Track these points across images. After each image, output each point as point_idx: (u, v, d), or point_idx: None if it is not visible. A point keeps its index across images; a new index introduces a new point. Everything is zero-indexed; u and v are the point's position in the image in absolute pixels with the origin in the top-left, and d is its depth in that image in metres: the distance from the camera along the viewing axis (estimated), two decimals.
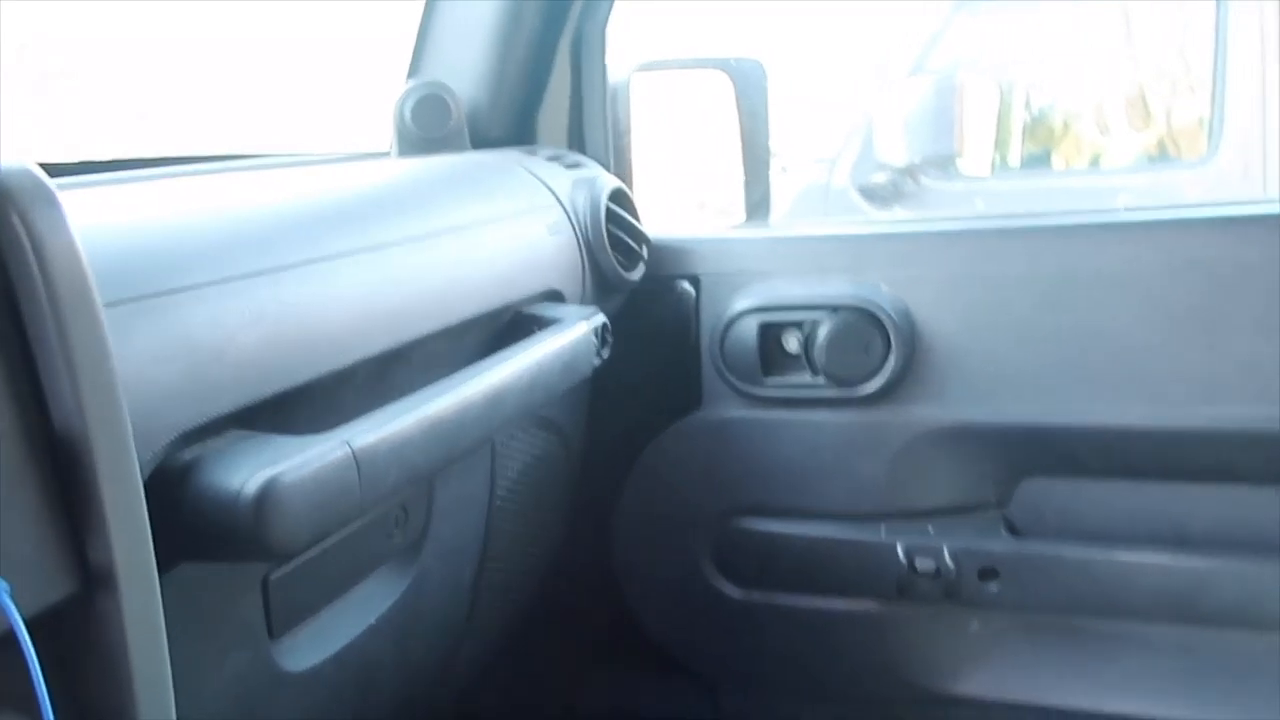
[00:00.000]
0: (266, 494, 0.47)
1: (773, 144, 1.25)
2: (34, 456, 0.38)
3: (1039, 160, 4.03)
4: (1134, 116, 3.84)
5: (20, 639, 0.35)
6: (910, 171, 2.91)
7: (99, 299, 0.39)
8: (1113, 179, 3.48)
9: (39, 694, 0.35)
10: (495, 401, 0.68)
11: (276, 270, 0.56)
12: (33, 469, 0.38)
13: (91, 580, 0.39)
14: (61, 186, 0.39)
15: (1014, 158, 3.99)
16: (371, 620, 0.75)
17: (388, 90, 1.01)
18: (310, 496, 0.50)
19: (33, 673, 0.35)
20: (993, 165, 3.95)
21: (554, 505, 1.01)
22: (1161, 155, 3.48)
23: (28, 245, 0.37)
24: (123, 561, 0.39)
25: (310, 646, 0.67)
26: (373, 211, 0.71)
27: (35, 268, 0.37)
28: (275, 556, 0.56)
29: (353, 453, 0.53)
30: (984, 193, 3.26)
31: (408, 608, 0.79)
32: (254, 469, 0.48)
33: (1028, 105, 4.04)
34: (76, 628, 0.40)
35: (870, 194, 2.99)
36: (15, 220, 0.37)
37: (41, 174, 0.39)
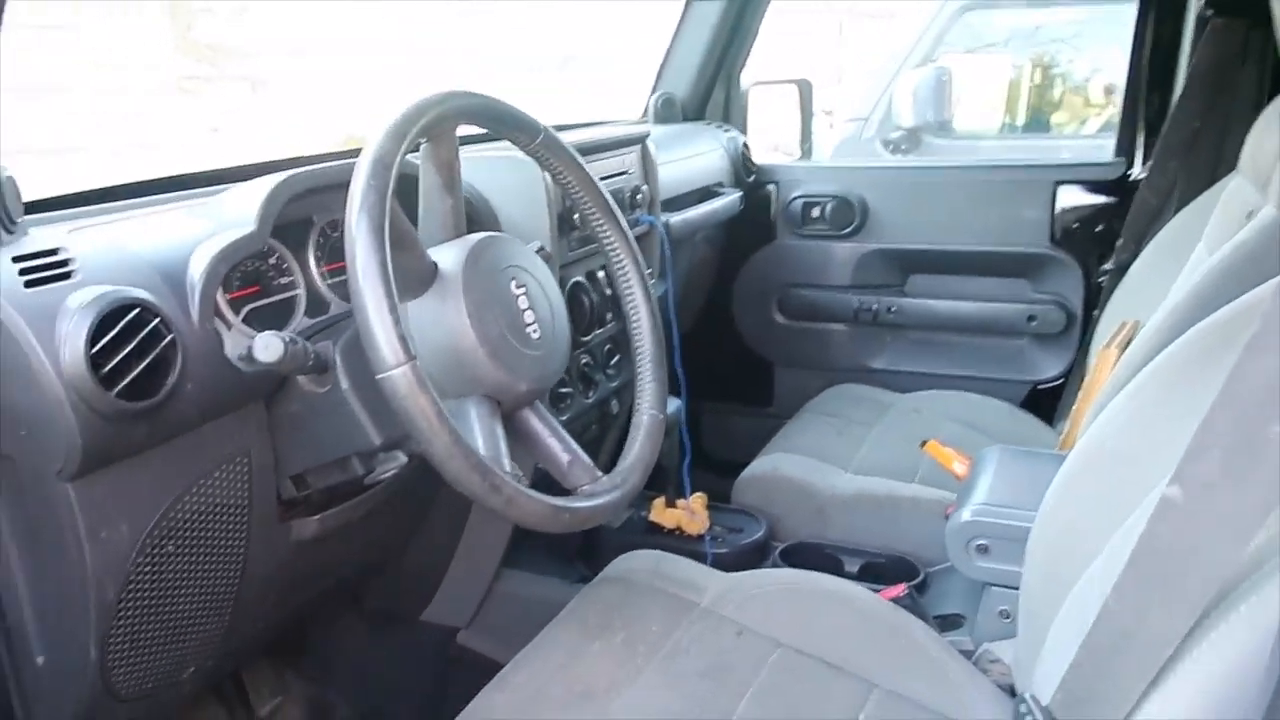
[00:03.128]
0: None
1: (820, 111, 2.55)
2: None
3: (1040, 123, 5.24)
4: (1104, 96, 5.02)
5: None
6: (916, 131, 4.13)
7: None
8: (1068, 141, 4.67)
9: None
10: (711, 214, 2.00)
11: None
12: None
13: None
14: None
15: (1021, 119, 5.20)
16: None
17: None
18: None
19: None
20: (1003, 126, 5.18)
21: (709, 279, 2.34)
22: (1109, 126, 4.66)
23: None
24: None
25: None
26: (677, 141, 2.02)
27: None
28: None
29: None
30: (969, 148, 4.47)
31: None
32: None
33: (1032, 81, 5.25)
34: None
35: (889, 145, 4.23)
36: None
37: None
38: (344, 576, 1.45)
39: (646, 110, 2.28)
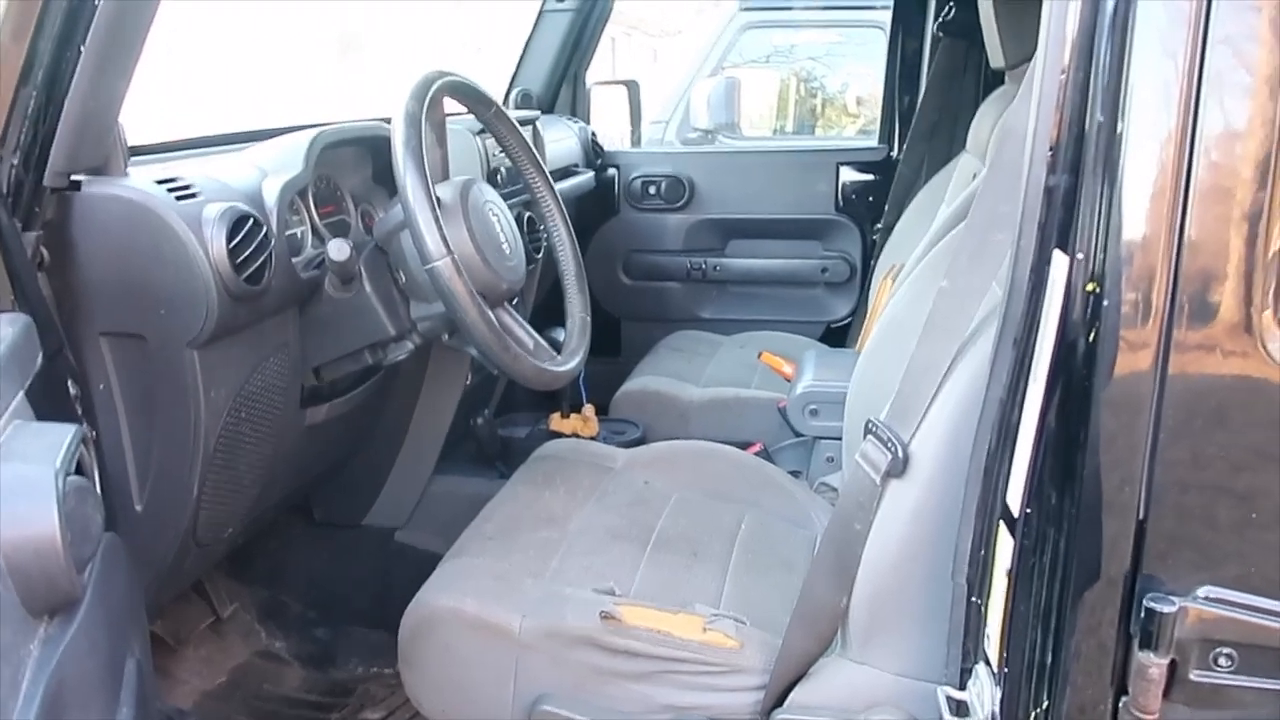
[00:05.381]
0: None
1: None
2: None
3: (806, 128, 6.04)
4: (856, 106, 5.89)
5: None
6: (710, 132, 4.74)
7: None
8: (834, 143, 5.47)
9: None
10: (574, 188, 2.42)
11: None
12: None
13: None
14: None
15: (790, 125, 5.98)
16: None
17: None
18: None
19: None
20: (775, 129, 5.92)
21: None
22: (863, 132, 5.52)
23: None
24: None
25: None
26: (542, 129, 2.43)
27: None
28: None
29: None
30: (755, 148, 5.15)
31: None
32: None
33: (799, 91, 6.06)
34: None
35: (687, 144, 4.82)
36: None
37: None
38: (318, 474, 1.75)
39: (506, 101, 2.67)
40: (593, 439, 2.07)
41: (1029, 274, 0.89)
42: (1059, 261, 0.84)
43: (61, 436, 0.76)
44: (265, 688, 1.80)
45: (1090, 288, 0.80)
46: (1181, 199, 0.77)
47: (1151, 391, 0.78)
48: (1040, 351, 0.86)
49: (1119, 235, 0.79)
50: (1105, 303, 0.78)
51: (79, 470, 0.77)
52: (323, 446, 1.61)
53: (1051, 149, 0.85)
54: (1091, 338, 0.79)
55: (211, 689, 1.79)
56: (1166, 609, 0.78)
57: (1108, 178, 0.80)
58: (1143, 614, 0.79)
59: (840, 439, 1.77)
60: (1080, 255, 0.81)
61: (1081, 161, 0.82)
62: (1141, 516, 0.80)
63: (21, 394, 0.81)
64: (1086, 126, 0.82)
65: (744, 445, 2.06)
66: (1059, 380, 0.84)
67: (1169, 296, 0.78)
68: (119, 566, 0.88)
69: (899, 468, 1.05)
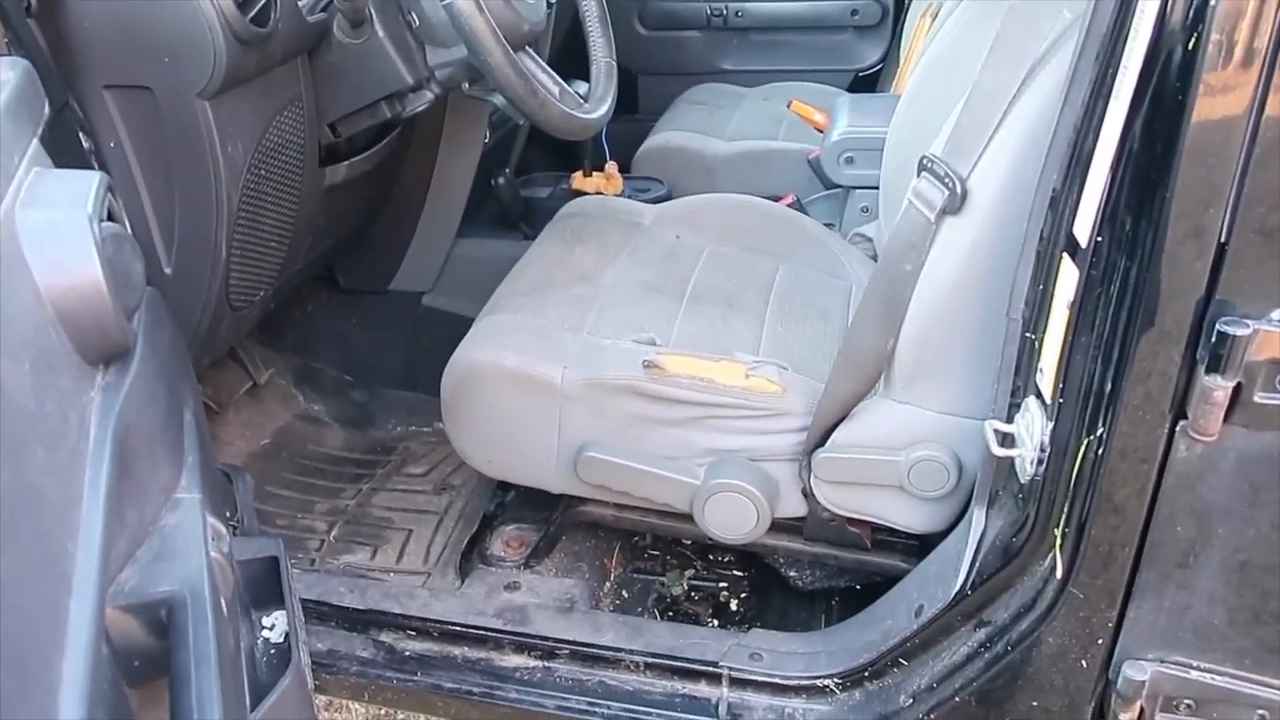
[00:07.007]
0: None
1: None
2: None
3: None
4: None
5: None
6: None
7: None
8: None
9: None
10: None
11: None
12: None
13: None
14: None
15: None
16: None
17: None
18: None
19: None
20: None
21: None
22: None
23: None
24: None
25: None
26: None
27: None
28: None
29: None
30: None
31: None
32: None
33: None
34: None
35: None
36: None
37: None
38: (341, 237, 1.71)
39: None
40: (618, 196, 2.02)
41: None
42: None
43: (88, 183, 0.71)
44: (309, 448, 1.85)
45: None
46: None
47: (1252, 103, 0.72)
48: (1127, 65, 0.80)
49: None
50: (1211, 3, 0.71)
51: (110, 218, 0.74)
52: (344, 207, 1.56)
53: None
54: (1191, 45, 0.72)
55: (257, 450, 1.85)
56: (1240, 332, 0.76)
57: None
58: (1213, 338, 0.77)
59: (876, 188, 1.72)
60: None
61: None
62: (1223, 239, 0.76)
63: (36, 140, 0.76)
64: None
65: (774, 199, 2.01)
66: (1146, 95, 0.77)
67: None
68: (163, 320, 0.86)
69: (956, 204, 1.01)
